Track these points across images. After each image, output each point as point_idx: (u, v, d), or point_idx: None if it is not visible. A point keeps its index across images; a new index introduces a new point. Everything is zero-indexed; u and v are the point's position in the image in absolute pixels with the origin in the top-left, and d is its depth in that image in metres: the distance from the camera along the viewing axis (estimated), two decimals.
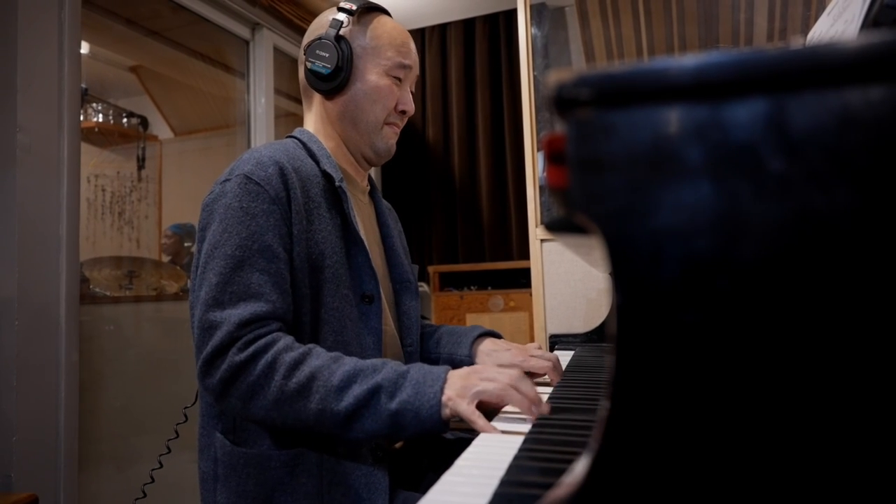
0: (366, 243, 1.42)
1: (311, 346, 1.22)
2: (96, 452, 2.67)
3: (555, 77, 0.48)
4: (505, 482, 0.76)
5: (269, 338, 1.18)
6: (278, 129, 3.69)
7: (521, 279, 3.94)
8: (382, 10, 1.56)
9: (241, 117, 3.63)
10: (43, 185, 2.17)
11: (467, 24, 4.45)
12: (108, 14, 3.09)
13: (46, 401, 2.14)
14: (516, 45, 3.17)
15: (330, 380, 1.14)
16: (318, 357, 1.18)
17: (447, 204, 4.45)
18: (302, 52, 1.52)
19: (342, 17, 1.47)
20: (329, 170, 1.41)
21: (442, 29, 4.50)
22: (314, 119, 1.55)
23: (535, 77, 2.89)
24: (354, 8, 1.48)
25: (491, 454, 0.90)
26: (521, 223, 4.18)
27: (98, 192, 3.72)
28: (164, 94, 4.13)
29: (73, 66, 2.30)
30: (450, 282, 4.27)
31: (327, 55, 1.45)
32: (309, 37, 1.52)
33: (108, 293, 3.27)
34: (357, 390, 1.13)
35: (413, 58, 1.54)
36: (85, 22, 2.45)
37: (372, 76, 1.48)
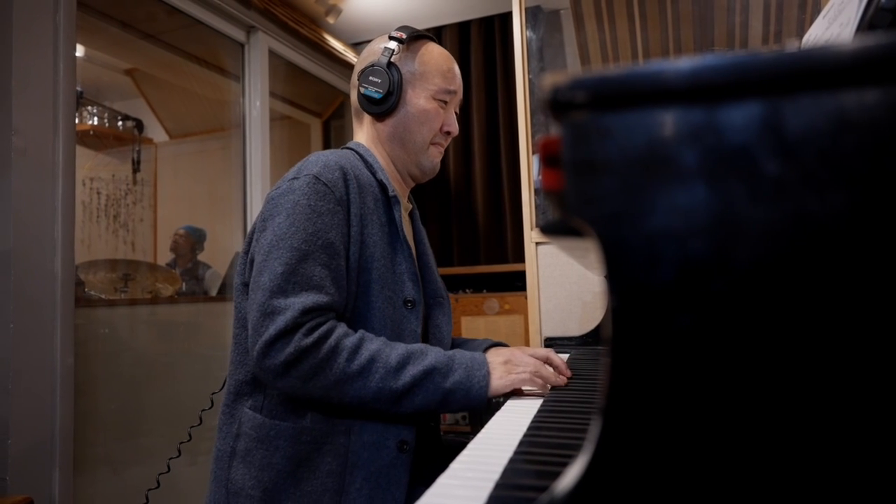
0: (412, 251, 1.55)
1: (361, 331, 1.36)
2: (91, 455, 2.67)
3: (550, 80, 0.48)
4: (500, 485, 0.76)
5: (329, 324, 1.30)
6: (273, 132, 3.69)
7: (517, 282, 3.93)
8: (429, 38, 1.66)
9: (237, 120, 3.62)
10: (38, 188, 2.16)
11: (462, 28, 4.44)
12: (104, 17, 3.08)
13: (41, 404, 2.14)
14: (511, 48, 3.17)
15: (388, 361, 1.29)
16: (373, 341, 1.33)
17: (442, 207, 4.44)
18: (355, 77, 1.64)
19: (393, 45, 1.59)
20: (383, 180, 1.54)
21: (437, 32, 4.49)
22: (365, 138, 1.67)
23: (530, 80, 2.89)
24: (404, 37, 1.59)
25: (486, 457, 0.90)
26: (517, 226, 4.18)
27: (93, 195, 3.71)
28: (159, 97, 4.12)
29: (68, 69, 2.30)
30: (445, 285, 4.27)
31: (379, 80, 1.57)
32: (362, 63, 1.63)
33: (103, 296, 3.26)
34: (413, 370, 1.29)
35: (458, 83, 1.66)
36: (80, 25, 2.44)
37: (420, 100, 1.60)
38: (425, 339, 1.61)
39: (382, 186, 1.53)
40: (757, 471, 0.44)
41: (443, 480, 0.80)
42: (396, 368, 1.29)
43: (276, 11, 3.58)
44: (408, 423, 1.40)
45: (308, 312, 1.28)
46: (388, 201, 1.53)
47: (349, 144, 1.64)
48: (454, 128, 1.66)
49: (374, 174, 1.54)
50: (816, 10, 2.82)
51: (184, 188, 4.24)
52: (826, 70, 0.43)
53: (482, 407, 1.34)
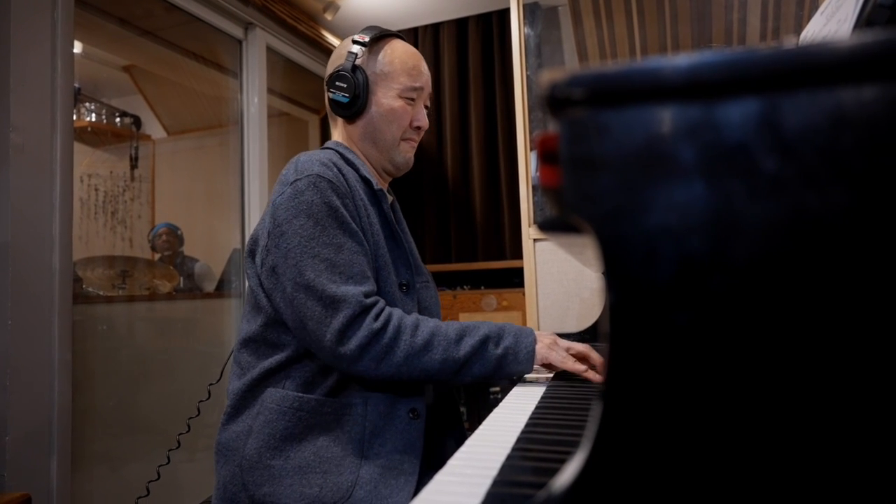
0: (403, 237, 1.64)
1: (414, 314, 1.47)
2: (89, 451, 2.67)
3: (548, 77, 0.48)
4: (498, 482, 0.76)
5: (388, 308, 1.41)
6: (271, 128, 3.69)
7: (515, 279, 3.92)
8: (395, 36, 1.72)
9: (235, 117, 3.62)
10: (36, 185, 2.16)
11: (460, 24, 4.43)
12: (101, 14, 3.08)
13: (39, 400, 2.13)
14: (509, 45, 3.17)
15: (448, 334, 1.40)
16: (428, 320, 1.43)
17: (440, 203, 4.44)
18: (325, 83, 1.69)
19: (356, 49, 1.64)
20: (367, 175, 1.60)
21: (435, 28, 4.48)
22: (340, 139, 1.73)
23: (528, 76, 2.89)
24: (367, 39, 1.65)
25: (484, 453, 0.90)
26: (514, 223, 4.17)
27: (91, 192, 3.71)
28: (157, 94, 4.12)
29: (66, 66, 2.29)
30: (443, 281, 4.26)
31: (345, 85, 1.63)
32: (329, 69, 1.70)
33: (101, 293, 3.26)
34: (470, 341, 1.40)
35: (424, 79, 1.70)
36: (78, 21, 2.44)
37: (386, 100, 1.65)
38: None
39: (367, 182, 1.59)
40: (755, 467, 0.44)
41: (440, 477, 0.80)
42: (456, 340, 1.39)
43: (273, 8, 3.58)
44: (416, 393, 1.50)
45: (368, 296, 1.38)
46: (374, 194, 1.60)
47: (328, 144, 1.70)
48: (423, 122, 1.71)
49: (357, 171, 1.60)
50: (814, 7, 2.82)
51: (181, 185, 4.23)
52: (824, 67, 0.43)
53: (528, 372, 1.45)
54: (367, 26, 1.69)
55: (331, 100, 1.65)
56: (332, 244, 1.40)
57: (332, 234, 1.40)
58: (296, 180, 1.45)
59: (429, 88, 1.73)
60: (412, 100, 1.67)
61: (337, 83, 1.63)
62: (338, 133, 1.73)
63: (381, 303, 1.40)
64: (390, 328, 1.36)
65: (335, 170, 1.49)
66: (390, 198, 1.77)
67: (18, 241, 2.08)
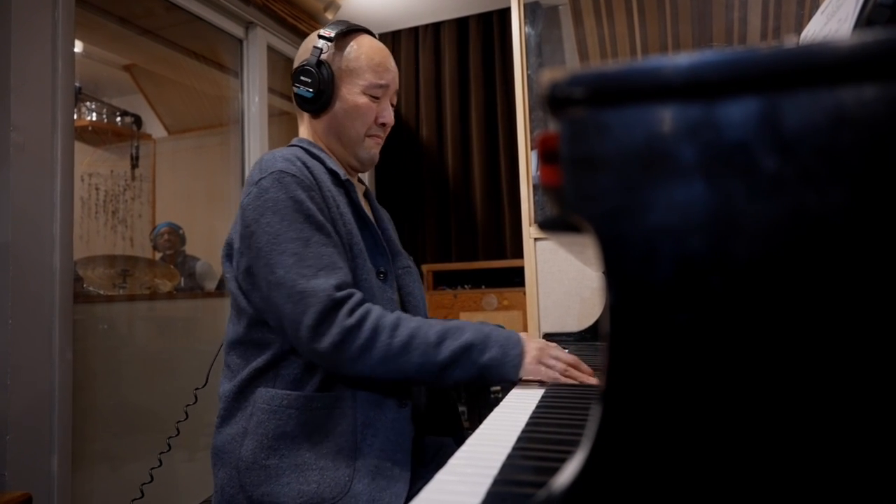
0: (375, 225, 1.61)
1: (397, 311, 1.43)
2: (90, 451, 2.67)
3: (548, 76, 0.48)
4: (499, 481, 0.76)
5: (366, 304, 1.38)
6: (272, 127, 3.69)
7: (515, 278, 3.92)
8: (362, 30, 1.69)
9: (235, 116, 3.62)
10: (36, 184, 2.16)
11: (461, 23, 4.44)
12: (102, 13, 3.08)
13: (40, 399, 2.14)
14: (510, 44, 3.17)
15: (427, 337, 1.35)
16: (410, 320, 1.39)
17: (441, 202, 4.44)
18: (291, 77, 1.66)
19: (321, 43, 1.62)
20: (334, 167, 1.58)
21: (435, 28, 4.49)
22: (306, 134, 1.72)
23: (528, 76, 2.90)
24: (332, 35, 1.62)
25: (485, 452, 0.90)
26: (515, 222, 4.17)
27: (92, 191, 3.71)
28: (157, 93, 4.12)
29: (66, 65, 2.29)
30: (443, 280, 4.27)
31: (309, 80, 1.61)
32: (295, 63, 1.68)
33: (101, 292, 3.26)
34: (452, 345, 1.35)
35: (390, 76, 1.67)
36: (79, 21, 2.44)
37: (351, 96, 1.63)
38: (402, 307, 1.67)
39: (334, 174, 1.58)
40: (756, 467, 0.44)
41: (441, 476, 0.80)
42: (436, 343, 1.35)
43: (274, 7, 3.58)
44: (401, 385, 1.48)
45: (339, 289, 1.35)
46: (342, 185, 1.58)
47: (293, 141, 1.69)
48: (389, 119, 1.68)
49: (323, 164, 1.58)
50: (815, 6, 2.82)
51: (182, 184, 4.24)
52: (824, 66, 0.43)
53: (513, 383, 1.40)
54: (335, 21, 1.67)
55: (295, 94, 1.64)
56: (300, 238, 1.38)
57: (299, 228, 1.39)
58: (260, 179, 1.45)
59: (395, 86, 1.71)
60: (377, 97, 1.65)
61: (301, 77, 1.62)
62: (304, 129, 1.72)
63: (357, 296, 1.38)
64: (366, 326, 1.34)
65: (299, 164, 1.48)
66: (361, 187, 1.76)
67: (19, 240, 2.08)
